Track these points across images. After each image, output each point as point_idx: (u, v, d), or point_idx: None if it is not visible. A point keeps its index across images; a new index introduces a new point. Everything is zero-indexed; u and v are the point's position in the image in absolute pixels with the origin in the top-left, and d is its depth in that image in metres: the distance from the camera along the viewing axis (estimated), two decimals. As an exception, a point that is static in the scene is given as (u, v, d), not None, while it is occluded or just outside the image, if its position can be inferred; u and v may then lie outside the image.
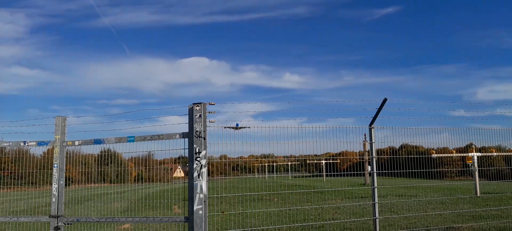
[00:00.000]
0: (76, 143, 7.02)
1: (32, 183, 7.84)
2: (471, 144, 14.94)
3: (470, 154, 16.19)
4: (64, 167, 6.99)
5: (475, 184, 15.63)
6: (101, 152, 7.87)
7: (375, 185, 7.88)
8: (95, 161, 8.09)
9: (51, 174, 6.94)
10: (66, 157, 7.09)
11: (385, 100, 7.59)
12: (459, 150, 16.09)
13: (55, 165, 6.93)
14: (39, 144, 7.20)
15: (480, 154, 16.38)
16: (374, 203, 7.93)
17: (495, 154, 15.38)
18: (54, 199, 6.82)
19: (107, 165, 8.19)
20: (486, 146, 15.57)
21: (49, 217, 6.77)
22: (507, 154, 13.13)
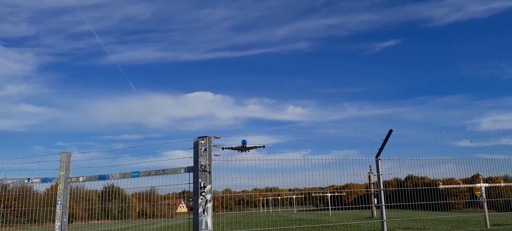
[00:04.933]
0: (81, 179, 6.99)
1: (34, 221, 7.74)
2: (478, 175, 14.74)
3: (478, 185, 15.93)
4: (68, 204, 6.93)
5: (485, 215, 15.28)
6: (105, 187, 7.83)
7: (384, 218, 7.73)
8: (98, 197, 8.03)
9: (54, 211, 6.87)
10: (70, 194, 7.04)
11: (390, 131, 7.57)
12: (465, 181, 15.82)
13: (59, 202, 6.87)
14: (43, 180, 7.17)
15: (487, 185, 16.11)
16: (382, 237, 7.75)
17: (503, 184, 15.10)
18: (56, 237, 6.71)
19: (111, 201, 8.11)
20: (493, 176, 15.34)
21: (51, 255, 6.64)
22: (515, 184, 12.91)
